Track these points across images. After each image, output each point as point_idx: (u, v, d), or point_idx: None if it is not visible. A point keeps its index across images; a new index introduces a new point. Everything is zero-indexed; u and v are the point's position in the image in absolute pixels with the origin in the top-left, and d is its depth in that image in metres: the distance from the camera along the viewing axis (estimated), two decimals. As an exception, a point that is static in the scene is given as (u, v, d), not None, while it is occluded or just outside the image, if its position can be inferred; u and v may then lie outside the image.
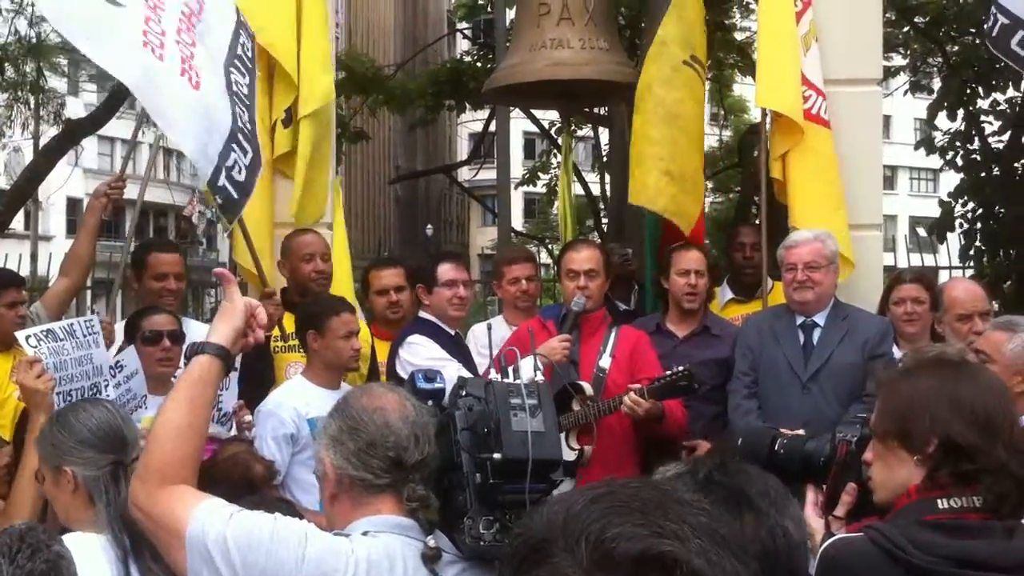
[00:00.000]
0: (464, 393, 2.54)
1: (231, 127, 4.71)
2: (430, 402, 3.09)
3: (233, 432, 4.69)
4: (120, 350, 4.72)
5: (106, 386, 4.27)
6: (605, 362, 5.05)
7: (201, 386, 2.37)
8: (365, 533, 2.24)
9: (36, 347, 4.02)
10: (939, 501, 2.12)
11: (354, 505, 2.30)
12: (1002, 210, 11.33)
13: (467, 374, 4.50)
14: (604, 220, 15.08)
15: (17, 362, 4.12)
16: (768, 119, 5.88)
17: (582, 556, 1.17)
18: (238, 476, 3.90)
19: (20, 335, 4.09)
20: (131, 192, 5.61)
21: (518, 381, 2.54)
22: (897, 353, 5.13)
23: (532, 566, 1.21)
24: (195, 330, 5.23)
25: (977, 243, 11.57)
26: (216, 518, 2.21)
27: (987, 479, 2.11)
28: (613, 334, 5.15)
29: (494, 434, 2.41)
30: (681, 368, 4.75)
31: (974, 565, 2.00)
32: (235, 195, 4.67)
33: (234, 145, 4.70)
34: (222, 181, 4.58)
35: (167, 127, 4.49)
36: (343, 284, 5.86)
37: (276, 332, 5.07)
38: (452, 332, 5.35)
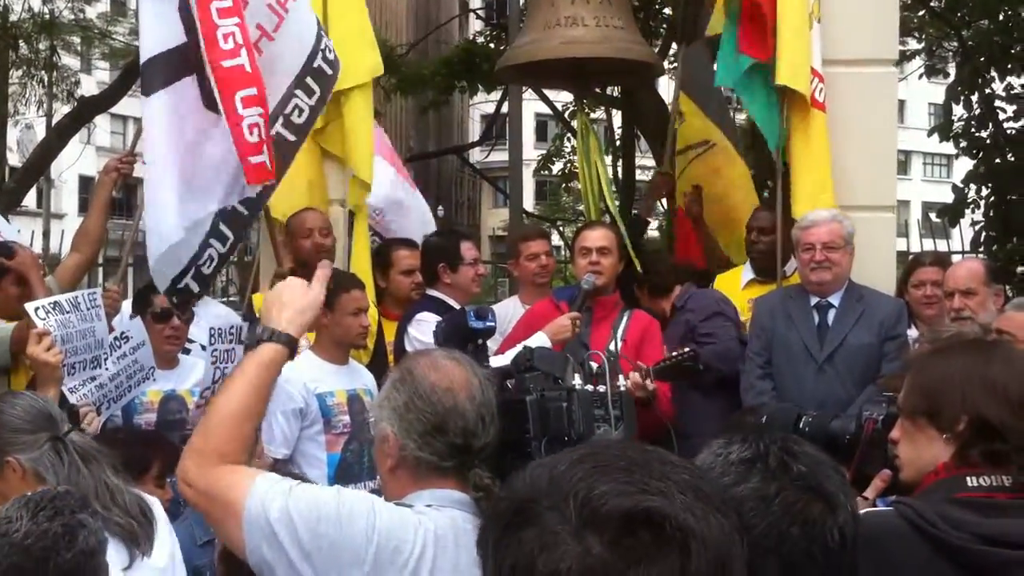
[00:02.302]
0: (531, 365, 2.47)
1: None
2: (480, 341, 3.00)
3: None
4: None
5: (105, 359, 4.26)
6: (615, 346, 5.02)
7: (269, 372, 2.38)
8: (428, 505, 2.20)
9: (44, 319, 4.00)
10: (969, 479, 2.09)
11: (415, 479, 2.25)
12: (1013, 197, 11.27)
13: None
14: (617, 202, 14.99)
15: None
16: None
17: (570, 514, 1.19)
18: None
19: (29, 307, 4.07)
20: (141, 170, 5.59)
21: (602, 388, 2.47)
22: (913, 334, 5.11)
23: (519, 527, 1.22)
24: (213, 309, 5.26)
25: (990, 228, 11.52)
26: (276, 492, 2.15)
27: (1018, 458, 2.08)
28: (625, 318, 5.13)
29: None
30: (687, 349, 4.79)
31: (1004, 543, 1.98)
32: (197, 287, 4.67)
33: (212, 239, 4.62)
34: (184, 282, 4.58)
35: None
36: (362, 262, 5.83)
37: None
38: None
